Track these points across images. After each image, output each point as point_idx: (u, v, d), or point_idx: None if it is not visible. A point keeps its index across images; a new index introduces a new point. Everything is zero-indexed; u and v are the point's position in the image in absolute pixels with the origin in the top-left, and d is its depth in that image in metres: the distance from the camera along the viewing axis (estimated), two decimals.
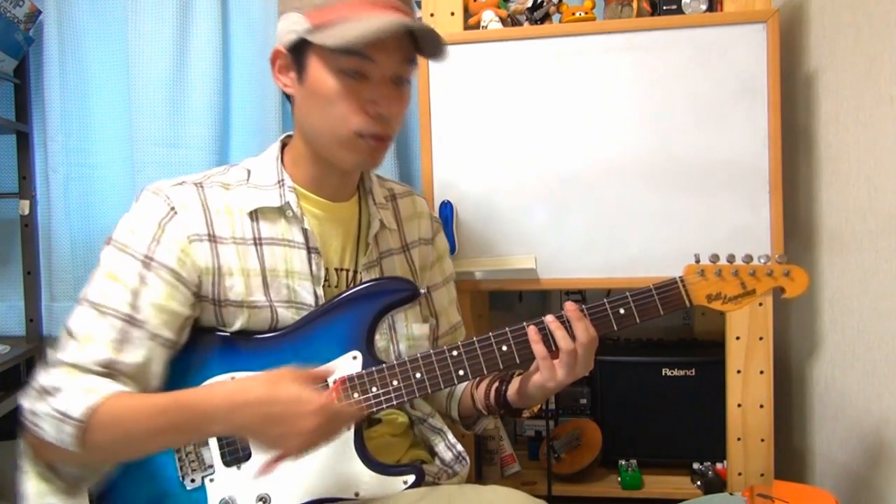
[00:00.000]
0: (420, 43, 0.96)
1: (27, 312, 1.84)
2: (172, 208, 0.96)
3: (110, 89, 1.79)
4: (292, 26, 0.95)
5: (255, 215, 1.01)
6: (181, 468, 0.94)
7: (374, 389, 0.96)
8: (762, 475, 1.41)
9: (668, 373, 1.56)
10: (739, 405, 1.41)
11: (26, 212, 1.80)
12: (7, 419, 1.67)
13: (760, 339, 1.39)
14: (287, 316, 1.00)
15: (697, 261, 1.00)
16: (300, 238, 1.02)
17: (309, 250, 1.02)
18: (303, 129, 1.02)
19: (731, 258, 0.99)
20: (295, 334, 1.00)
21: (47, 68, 1.76)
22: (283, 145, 1.07)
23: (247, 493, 0.93)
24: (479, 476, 1.60)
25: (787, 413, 1.58)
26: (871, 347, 1.25)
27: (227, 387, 0.90)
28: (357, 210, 1.10)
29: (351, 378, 0.96)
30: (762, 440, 1.41)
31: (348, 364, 0.98)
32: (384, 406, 0.96)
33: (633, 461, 1.56)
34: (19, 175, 1.81)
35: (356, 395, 0.95)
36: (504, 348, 0.97)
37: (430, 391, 0.97)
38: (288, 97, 1.03)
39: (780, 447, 1.44)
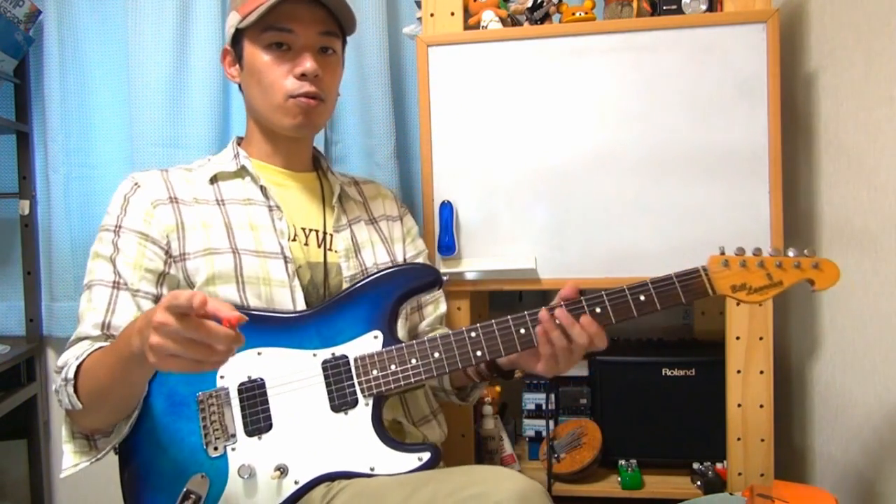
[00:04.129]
0: (337, 16, 1.11)
1: (27, 312, 1.84)
2: (136, 184, 1.09)
3: (110, 89, 1.79)
4: (230, 22, 1.12)
5: (214, 180, 1.12)
6: (205, 436, 0.97)
7: (392, 367, 1.01)
8: (762, 475, 1.41)
9: (668, 373, 1.56)
10: (739, 405, 1.41)
11: (26, 212, 1.80)
12: (7, 419, 1.67)
13: (760, 339, 1.39)
14: (254, 264, 1.05)
15: (722, 252, 1.00)
16: (260, 197, 1.12)
17: (269, 207, 1.10)
18: (250, 109, 1.16)
19: (757, 251, 1.00)
20: (319, 313, 1.04)
21: (47, 68, 1.76)
22: (240, 140, 1.20)
23: (266, 463, 0.96)
24: None
25: (787, 413, 1.58)
26: (871, 347, 1.25)
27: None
28: (318, 182, 1.20)
29: (371, 355, 1.01)
30: (762, 440, 1.41)
31: (370, 343, 1.03)
32: (402, 384, 1.00)
33: (633, 461, 1.56)
34: (19, 175, 1.81)
35: (375, 371, 1.00)
36: (522, 331, 1.01)
37: (447, 370, 1.01)
38: (241, 89, 1.17)
39: (780, 447, 1.44)
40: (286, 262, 1.07)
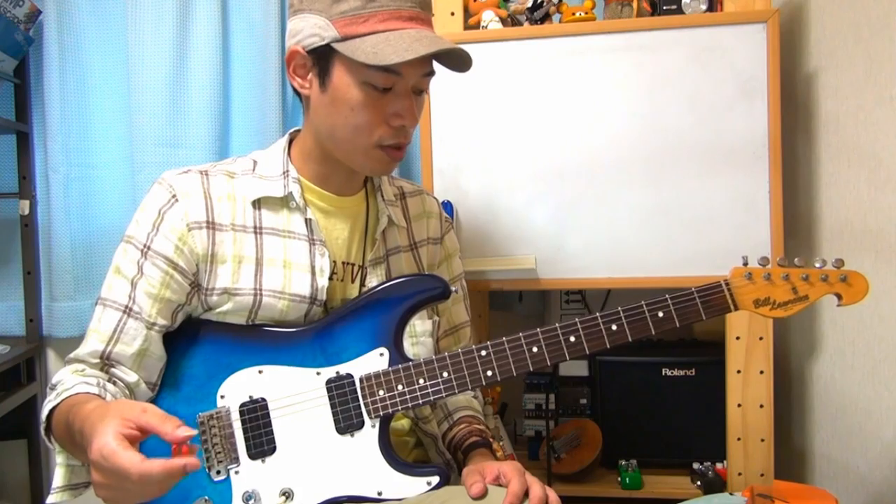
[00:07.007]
0: (442, 57, 0.98)
1: (27, 312, 1.84)
2: (173, 196, 0.98)
3: (110, 89, 1.79)
4: (317, 30, 0.94)
5: (257, 204, 1.01)
6: (207, 460, 0.94)
7: (399, 387, 0.96)
8: (762, 475, 1.41)
9: (668, 373, 1.56)
10: (739, 405, 1.41)
11: (26, 212, 1.80)
12: (7, 419, 1.67)
13: (760, 339, 1.39)
14: (275, 306, 0.99)
15: (745, 263, 0.95)
16: (302, 229, 1.02)
17: (312, 241, 1.02)
18: (318, 132, 1.01)
19: (782, 261, 0.95)
20: (324, 329, 1.00)
21: (47, 68, 1.76)
22: (291, 139, 1.08)
23: (270, 488, 0.94)
24: None
25: (787, 413, 1.58)
26: (871, 347, 1.25)
27: (99, 411, 0.80)
28: (364, 205, 1.09)
29: (377, 374, 0.97)
30: (762, 440, 1.41)
31: (375, 361, 0.98)
32: (410, 405, 0.96)
33: (633, 461, 1.56)
34: (19, 175, 1.81)
35: (381, 392, 0.96)
36: (534, 349, 0.96)
37: (457, 391, 0.97)
38: (299, 96, 1.03)
39: (780, 447, 1.44)
40: (313, 304, 1.00)
